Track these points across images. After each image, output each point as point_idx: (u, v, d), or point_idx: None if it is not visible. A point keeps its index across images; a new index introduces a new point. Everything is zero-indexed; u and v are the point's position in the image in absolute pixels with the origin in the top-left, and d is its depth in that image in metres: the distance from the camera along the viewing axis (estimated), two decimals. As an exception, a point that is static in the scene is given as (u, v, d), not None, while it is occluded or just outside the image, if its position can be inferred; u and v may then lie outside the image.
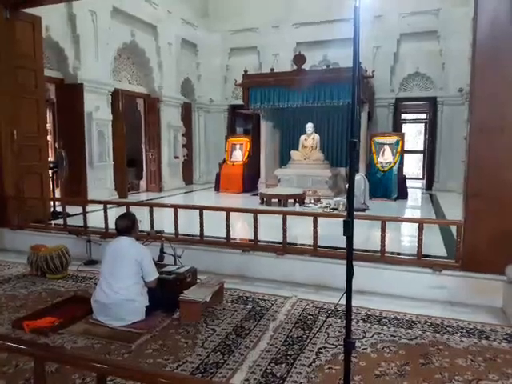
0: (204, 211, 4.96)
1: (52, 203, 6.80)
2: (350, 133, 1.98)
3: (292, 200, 8.20)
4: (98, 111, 8.55)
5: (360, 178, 7.72)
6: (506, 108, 3.74)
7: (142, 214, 4.90)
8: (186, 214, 5.43)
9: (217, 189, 10.52)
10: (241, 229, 6.08)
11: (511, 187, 3.74)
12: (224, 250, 4.78)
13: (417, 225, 4.19)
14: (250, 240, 4.91)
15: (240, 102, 10.68)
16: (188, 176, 12.05)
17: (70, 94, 8.21)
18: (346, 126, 10.41)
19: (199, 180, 12.46)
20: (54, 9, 6.98)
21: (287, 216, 4.67)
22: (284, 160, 10.68)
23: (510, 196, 3.74)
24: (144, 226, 4.89)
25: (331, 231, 4.71)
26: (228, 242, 4.82)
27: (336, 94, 8.65)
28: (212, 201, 9.26)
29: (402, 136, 9.68)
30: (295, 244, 4.87)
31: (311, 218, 4.53)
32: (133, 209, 4.80)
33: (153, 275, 3.56)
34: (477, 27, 3.80)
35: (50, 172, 7.04)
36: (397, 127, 10.94)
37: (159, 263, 4.13)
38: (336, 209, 7.47)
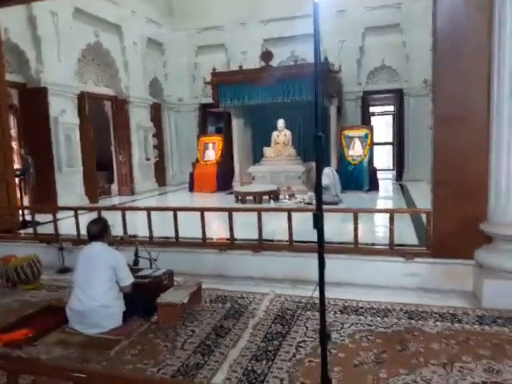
0: (178, 212, 4.92)
1: (21, 212, 6.60)
2: (314, 127, 2.01)
3: (267, 197, 8.23)
4: (63, 115, 8.33)
5: (328, 171, 7.83)
6: (467, 98, 3.86)
7: (114, 219, 4.81)
8: (159, 216, 5.38)
9: (191, 189, 10.45)
10: (217, 228, 6.06)
11: (475, 175, 3.88)
12: (200, 250, 4.77)
13: (388, 215, 4.29)
14: (226, 239, 4.90)
15: (210, 100, 10.62)
16: (161, 177, 11.92)
17: (34, 99, 7.97)
18: (319, 121, 10.46)
19: (172, 181, 12.34)
20: (12, 10, 6.74)
21: (262, 212, 4.69)
22: (257, 157, 10.71)
23: (475, 183, 3.88)
24: (117, 230, 4.82)
25: (306, 225, 4.81)
26: (204, 243, 4.80)
27: (304, 90, 8.70)
28: (186, 201, 9.19)
29: (371, 129, 9.86)
30: (271, 240, 4.90)
31: (286, 213, 4.58)
32: (105, 214, 4.71)
33: (128, 280, 3.52)
34: (436, 19, 3.90)
35: (17, 179, 6.82)
36: (365, 120, 11.14)
37: (134, 267, 4.08)
38: (310, 203, 7.53)
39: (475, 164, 3.85)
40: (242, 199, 8.20)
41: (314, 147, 2.04)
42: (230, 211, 4.78)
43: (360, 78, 10.92)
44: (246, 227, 5.19)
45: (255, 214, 4.71)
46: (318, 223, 2.00)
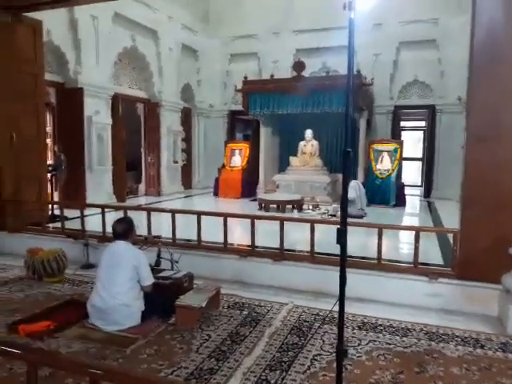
0: (202, 216, 4.97)
1: (50, 206, 6.80)
2: (345, 142, 2.00)
3: (290, 206, 8.23)
4: (97, 115, 8.58)
5: (354, 184, 7.77)
6: (502, 116, 3.76)
7: (139, 219, 4.90)
8: (183, 218, 5.44)
9: (215, 194, 10.55)
10: (239, 234, 6.09)
11: (507, 196, 3.76)
12: (221, 255, 4.79)
13: (414, 232, 4.21)
14: (247, 246, 4.92)
15: (240, 107, 10.73)
16: (187, 181, 12.07)
17: (71, 98, 8.24)
18: (344, 133, 10.42)
19: (198, 185, 12.49)
20: (55, 13, 7.01)
21: (285, 222, 4.69)
22: (283, 166, 10.72)
23: (505, 205, 3.76)
24: (141, 230, 4.90)
25: (329, 237, 4.79)
26: (225, 248, 4.82)
27: (335, 101, 8.71)
28: (210, 206, 9.28)
29: (401, 143, 9.73)
30: (293, 250, 4.88)
31: (308, 224, 4.56)
32: (131, 213, 4.81)
33: (149, 280, 3.56)
34: (474, 36, 3.83)
35: (49, 175, 7.05)
36: (395, 134, 11.01)
37: (156, 268, 4.13)
38: (334, 215, 7.47)
39: (509, 179, 3.74)
40: (266, 207, 8.21)
41: (343, 161, 2.04)
42: (252, 218, 4.80)
43: (392, 92, 10.81)
44: (267, 235, 5.19)
45: (277, 222, 4.71)
46: (342, 238, 1.98)
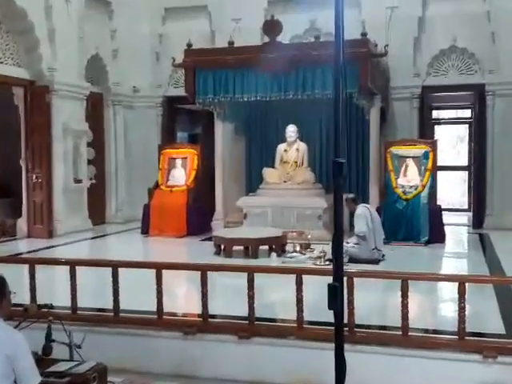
0: (121, 270, 4.93)
1: None
2: (334, 148, 2.07)
3: (266, 247, 8.26)
4: None
5: (364, 211, 7.81)
6: None
7: (17, 277, 4.79)
8: (91, 275, 5.37)
9: (145, 231, 10.47)
10: (182, 297, 6.12)
11: None
12: (154, 332, 4.77)
13: (457, 285, 4.28)
14: (197, 315, 4.92)
15: (182, 92, 10.74)
16: (97, 211, 11.94)
17: None
18: (353, 131, 10.63)
19: (116, 217, 12.37)
20: None
21: (256, 274, 4.71)
22: (253, 183, 10.78)
23: None
24: (21, 296, 4.77)
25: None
26: (160, 320, 4.80)
27: (330, 81, 8.82)
28: (136, 252, 9.18)
29: (434, 145, 9.93)
30: (270, 320, 4.92)
31: (294, 276, 4.60)
32: (2, 268, 4.69)
33: (33, 379, 3.46)
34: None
35: None
36: (425, 131, 11.29)
37: (45, 358, 4.03)
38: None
39: None
40: (227, 250, 8.19)
41: (333, 179, 2.09)
42: (204, 270, 4.79)
43: (418, 66, 11.10)
44: (229, 297, 5.29)
45: (245, 275, 4.71)
46: (335, 301, 2.01)
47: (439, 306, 5.91)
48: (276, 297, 5.55)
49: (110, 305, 4.93)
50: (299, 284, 4.56)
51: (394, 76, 10.92)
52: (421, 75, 11.16)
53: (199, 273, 4.83)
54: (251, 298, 4.65)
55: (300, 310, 4.55)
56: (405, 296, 4.32)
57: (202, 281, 4.75)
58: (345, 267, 6.79)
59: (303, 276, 4.63)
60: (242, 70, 9.43)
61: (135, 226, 11.07)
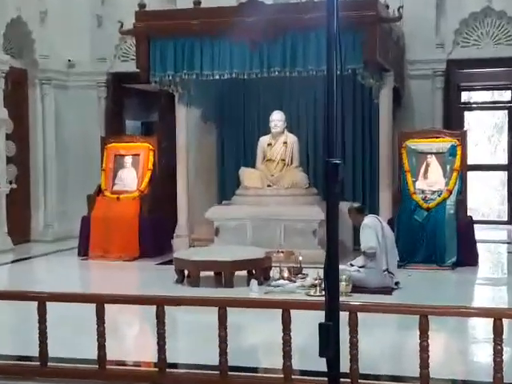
0: (49, 304, 4.86)
1: None
2: (326, 149, 2.08)
3: (245, 272, 8.28)
4: None
5: (374, 222, 7.80)
6: None
7: None
8: (9, 311, 5.32)
9: (83, 252, 10.41)
10: (133, 340, 6.09)
11: None
12: (96, 387, 4.73)
13: (492, 321, 4.28)
14: (152, 364, 4.90)
15: (131, 67, 10.77)
16: (20, 226, 11.88)
17: None
18: (351, 118, 10.72)
19: (45, 233, 12.30)
20: None
21: (229, 309, 4.63)
22: (227, 188, 10.86)
23: None
24: None
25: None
26: (103, 371, 4.73)
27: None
28: (71, 280, 9.14)
29: (464, 137, 9.94)
30: (248, 369, 4.88)
31: (279, 311, 4.55)
32: None
33: None
34: None
35: None
36: (452, 118, 11.34)
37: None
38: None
39: None
40: (192, 277, 8.14)
41: (326, 185, 2.10)
42: (160, 304, 4.74)
43: (442, 35, 11.17)
44: (195, 339, 5.23)
45: (215, 310, 4.65)
46: (329, 346, 2.03)
47: (469, 349, 5.88)
48: (256, 339, 5.51)
49: (35, 351, 4.85)
50: (286, 322, 4.49)
51: (411, 47, 11.00)
52: (445, 46, 11.23)
53: (154, 308, 4.76)
54: (223, 340, 4.58)
55: (287, 356, 4.49)
56: (424, 336, 4.30)
57: (158, 318, 4.68)
58: (347, 299, 6.91)
59: (292, 311, 4.57)
60: (211, 39, 9.37)
61: (70, 246, 11.04)
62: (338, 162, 2.07)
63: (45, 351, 4.84)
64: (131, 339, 6.08)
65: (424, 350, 4.32)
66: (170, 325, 4.74)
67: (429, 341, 4.33)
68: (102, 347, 4.77)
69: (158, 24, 9.62)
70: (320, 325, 2.06)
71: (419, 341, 4.33)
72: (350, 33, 8.46)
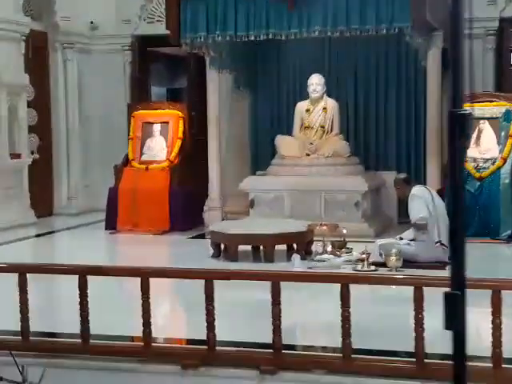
0: (90, 277, 4.85)
1: None
2: (452, 97, 1.96)
3: (284, 246, 8.23)
4: None
5: (424, 194, 7.76)
6: None
7: None
8: (44, 285, 5.33)
9: (111, 226, 10.47)
10: (178, 318, 6.16)
11: None
12: (140, 366, 4.72)
13: None
14: (197, 341, 4.87)
15: (159, 29, 10.80)
16: (43, 198, 11.96)
17: None
18: (403, 82, 10.72)
19: (69, 206, 12.38)
20: None
21: (282, 283, 4.62)
22: (261, 158, 10.85)
23: None
24: None
25: (377, 314, 4.62)
26: (148, 349, 4.73)
27: (373, 10, 8.73)
28: (101, 254, 9.26)
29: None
30: (296, 348, 4.89)
31: (335, 286, 4.55)
32: None
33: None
34: None
35: None
36: (506, 81, 11.18)
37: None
38: (382, 264, 7.45)
39: None
40: (230, 251, 8.14)
41: (450, 139, 1.97)
42: (209, 278, 4.70)
43: (493, -11, 11.01)
44: (241, 317, 5.27)
45: (265, 285, 4.66)
46: (455, 320, 1.93)
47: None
48: (302, 317, 5.50)
49: (75, 328, 4.84)
50: (345, 297, 4.47)
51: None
52: (498, 2, 11.06)
53: (201, 283, 4.73)
54: (277, 317, 4.56)
55: (346, 334, 4.46)
56: (497, 317, 4.24)
57: (206, 294, 4.64)
58: (398, 273, 6.86)
59: (349, 286, 4.54)
60: (246, -2, 9.27)
61: (96, 219, 11.10)
62: (465, 112, 1.93)
63: (86, 328, 4.82)
64: (175, 317, 6.09)
65: (496, 328, 4.26)
66: (217, 300, 4.70)
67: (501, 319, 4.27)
68: (146, 324, 4.75)
69: (190, -18, 9.54)
70: (445, 294, 1.96)
71: (491, 317, 4.27)
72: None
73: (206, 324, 4.67)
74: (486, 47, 11.07)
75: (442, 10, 9.61)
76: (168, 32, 9.81)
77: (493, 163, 9.43)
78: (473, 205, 9.21)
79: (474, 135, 9.65)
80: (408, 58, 10.19)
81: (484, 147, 9.62)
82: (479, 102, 9.79)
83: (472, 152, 9.54)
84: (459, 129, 1.95)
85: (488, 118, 9.63)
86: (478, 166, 9.47)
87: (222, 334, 4.74)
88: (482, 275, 5.62)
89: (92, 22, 12.53)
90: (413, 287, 4.39)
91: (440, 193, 8.73)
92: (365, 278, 5.72)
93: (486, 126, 9.64)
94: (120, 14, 12.54)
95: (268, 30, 9.27)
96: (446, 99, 9.92)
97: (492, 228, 9.14)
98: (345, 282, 4.60)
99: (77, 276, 4.89)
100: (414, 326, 4.26)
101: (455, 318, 1.96)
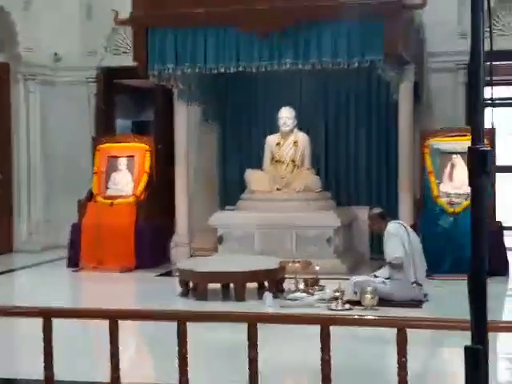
0: (54, 320, 4.72)
1: None
2: (471, 134, 1.89)
3: (255, 285, 8.14)
4: None
5: (397, 229, 7.74)
6: None
7: None
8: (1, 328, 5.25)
9: (74, 263, 10.32)
10: (147, 361, 6.01)
11: None
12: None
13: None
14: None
15: (125, 61, 10.73)
16: (3, 234, 11.82)
17: None
18: (374, 116, 10.78)
19: (30, 242, 12.16)
20: None
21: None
22: (231, 192, 10.79)
23: None
24: None
25: (352, 354, 4.59)
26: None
27: (345, 43, 8.73)
28: (62, 295, 9.09)
29: (492, 135, 9.78)
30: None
31: (313, 327, 4.42)
32: None
33: None
34: None
35: None
36: (476, 115, 11.22)
37: None
38: (357, 303, 7.39)
39: None
40: (199, 290, 8.04)
41: (471, 178, 1.90)
42: (181, 320, 4.59)
43: (465, 24, 11.01)
44: (216, 361, 5.17)
45: (235, 326, 4.56)
46: (478, 375, 1.85)
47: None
48: (279, 358, 5.42)
49: (37, 374, 4.72)
50: (325, 339, 4.38)
51: (432, 38, 10.83)
52: (470, 36, 11.08)
53: (172, 325, 4.63)
54: (253, 361, 4.47)
55: (327, 379, 4.37)
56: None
57: (180, 336, 4.54)
58: (372, 312, 6.81)
59: (330, 328, 4.47)
60: (216, 29, 9.25)
61: (59, 256, 10.93)
62: (486, 148, 1.86)
63: (50, 374, 4.71)
64: (146, 359, 5.99)
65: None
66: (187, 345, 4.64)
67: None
68: (113, 367, 4.63)
69: (158, 13, 9.51)
70: (466, 348, 1.87)
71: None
72: (370, 21, 8.50)
73: (178, 369, 4.58)
74: (459, 80, 11.14)
75: (414, 44, 9.72)
76: (135, 63, 9.79)
77: (466, 199, 9.38)
78: (446, 241, 9.23)
79: (447, 170, 9.71)
80: (380, 92, 10.24)
81: (457, 182, 9.66)
82: (452, 136, 9.88)
83: (445, 187, 9.60)
84: (480, 166, 1.89)
85: (461, 153, 9.64)
86: (451, 201, 9.50)
87: (195, 380, 4.66)
88: (460, 314, 5.62)
89: (56, 54, 12.43)
90: (395, 329, 4.34)
91: (413, 227, 8.76)
92: (348, 319, 5.63)
93: (458, 161, 9.67)
94: (85, 46, 12.47)
95: (238, 63, 9.28)
96: (418, 133, 10.01)
97: (466, 264, 9.05)
98: (327, 324, 4.52)
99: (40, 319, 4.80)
100: (396, 369, 4.21)
101: (478, 374, 1.88)
